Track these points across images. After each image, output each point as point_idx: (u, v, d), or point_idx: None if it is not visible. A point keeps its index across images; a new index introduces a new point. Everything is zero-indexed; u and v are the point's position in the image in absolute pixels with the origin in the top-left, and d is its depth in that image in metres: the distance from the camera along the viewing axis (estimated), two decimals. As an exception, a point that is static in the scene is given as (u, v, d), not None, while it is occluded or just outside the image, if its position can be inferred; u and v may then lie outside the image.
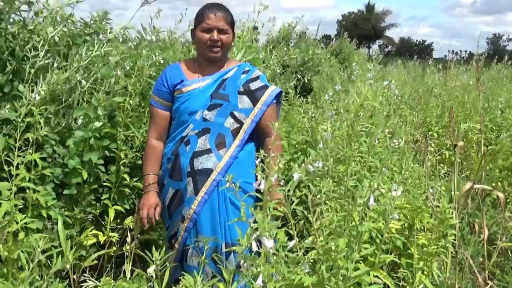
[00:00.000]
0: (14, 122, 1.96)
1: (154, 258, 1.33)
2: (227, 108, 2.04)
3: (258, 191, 1.38)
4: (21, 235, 1.79)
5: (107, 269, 2.40)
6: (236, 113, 2.04)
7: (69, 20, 2.45)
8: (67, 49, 2.48)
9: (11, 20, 2.28)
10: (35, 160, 2.02)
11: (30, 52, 2.11)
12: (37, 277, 1.70)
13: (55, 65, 2.21)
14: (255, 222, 1.20)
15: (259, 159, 1.34)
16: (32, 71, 2.12)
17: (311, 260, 1.35)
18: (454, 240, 1.91)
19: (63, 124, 2.32)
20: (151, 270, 1.33)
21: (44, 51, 2.16)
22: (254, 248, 1.16)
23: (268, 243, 1.13)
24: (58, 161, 2.28)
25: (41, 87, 1.95)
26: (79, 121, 2.27)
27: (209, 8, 2.03)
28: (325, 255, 1.32)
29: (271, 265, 1.21)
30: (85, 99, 2.36)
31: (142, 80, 2.51)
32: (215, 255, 1.93)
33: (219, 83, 2.07)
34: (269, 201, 1.30)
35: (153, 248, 1.35)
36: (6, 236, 1.70)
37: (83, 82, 2.33)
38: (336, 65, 7.22)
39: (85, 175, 2.25)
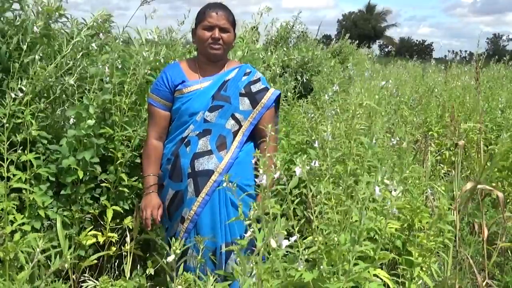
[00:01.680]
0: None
1: (173, 248, 1.32)
2: (229, 109, 2.03)
3: (258, 187, 1.38)
4: (17, 236, 1.78)
5: (107, 269, 2.40)
6: (237, 115, 2.04)
7: (58, 14, 2.41)
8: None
9: (1, 19, 2.26)
10: (29, 160, 2.01)
11: (16, 49, 2.08)
12: (36, 277, 1.70)
13: (36, 57, 2.18)
14: (256, 220, 1.20)
15: (254, 159, 1.34)
16: (18, 68, 2.09)
17: (311, 258, 1.35)
18: (452, 237, 1.91)
19: (51, 121, 2.31)
20: (170, 259, 1.33)
21: (26, 45, 2.13)
22: (274, 245, 1.16)
23: (284, 241, 1.13)
24: (52, 158, 2.27)
25: (20, 83, 1.93)
26: (71, 120, 2.26)
27: (210, 7, 2.03)
28: (326, 252, 1.32)
29: (269, 262, 1.21)
30: (75, 98, 2.34)
31: (138, 79, 2.50)
32: (211, 255, 1.93)
33: (220, 84, 2.06)
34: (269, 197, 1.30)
35: (173, 239, 1.35)
36: (4, 237, 1.70)
37: (68, 79, 2.30)
38: (337, 65, 7.22)
39: (80, 174, 2.25)
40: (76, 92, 2.36)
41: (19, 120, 1.99)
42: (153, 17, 2.67)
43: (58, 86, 2.33)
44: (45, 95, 2.35)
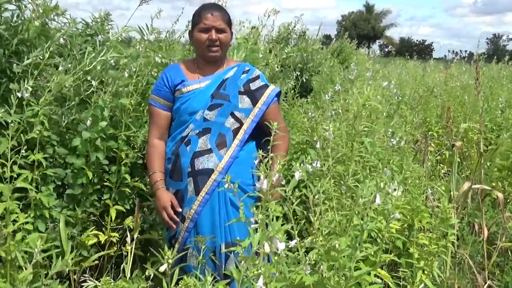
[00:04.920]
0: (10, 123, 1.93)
1: (166, 257, 1.32)
2: (228, 108, 2.04)
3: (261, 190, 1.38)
4: (19, 235, 1.78)
5: (107, 269, 2.40)
6: (236, 113, 2.04)
7: (55, 13, 2.39)
8: (67, 49, 2.47)
9: None
10: (37, 160, 2.01)
11: (15, 51, 2.07)
12: (37, 278, 1.70)
13: (60, 68, 2.19)
14: (256, 222, 1.20)
15: (257, 159, 1.34)
16: (21, 70, 2.08)
17: (312, 260, 1.35)
18: (454, 239, 1.91)
19: (64, 124, 2.31)
20: (162, 268, 1.32)
21: (35, 48, 2.12)
22: (267, 249, 1.15)
23: (280, 245, 1.12)
24: (59, 161, 2.27)
25: (27, 83, 1.92)
26: (88, 122, 2.26)
27: (205, 8, 2.03)
28: (326, 255, 1.32)
29: (272, 265, 1.21)
30: (92, 100, 2.35)
31: (144, 80, 2.51)
32: (212, 255, 1.93)
33: (219, 83, 2.07)
34: (270, 200, 1.30)
35: (165, 247, 1.34)
36: (5, 236, 1.70)
37: (93, 82, 2.30)
38: (337, 65, 7.21)
39: (90, 175, 2.25)
40: (94, 94, 2.36)
41: (32, 120, 1.98)
42: (158, 17, 2.66)
43: (81, 91, 2.33)
44: (54, 99, 2.34)
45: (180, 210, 2.01)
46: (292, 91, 4.10)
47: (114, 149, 2.42)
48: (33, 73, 2.06)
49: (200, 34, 2.01)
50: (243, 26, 3.87)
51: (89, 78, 2.31)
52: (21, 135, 1.95)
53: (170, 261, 1.30)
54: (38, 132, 1.98)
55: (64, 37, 2.42)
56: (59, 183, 2.26)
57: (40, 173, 2.07)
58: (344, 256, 1.27)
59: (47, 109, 2.08)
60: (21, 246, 1.67)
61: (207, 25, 1.99)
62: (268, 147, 1.45)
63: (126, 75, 2.44)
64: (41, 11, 2.25)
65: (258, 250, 1.17)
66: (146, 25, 2.68)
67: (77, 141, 2.24)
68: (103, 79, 2.42)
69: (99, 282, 1.76)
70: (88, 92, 2.34)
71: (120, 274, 2.25)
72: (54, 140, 2.23)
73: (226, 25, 2.04)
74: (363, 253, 1.23)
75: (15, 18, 2.24)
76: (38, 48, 2.15)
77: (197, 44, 2.04)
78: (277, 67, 4.38)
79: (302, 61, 5.92)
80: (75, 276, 2.15)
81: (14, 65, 2.12)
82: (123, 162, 2.41)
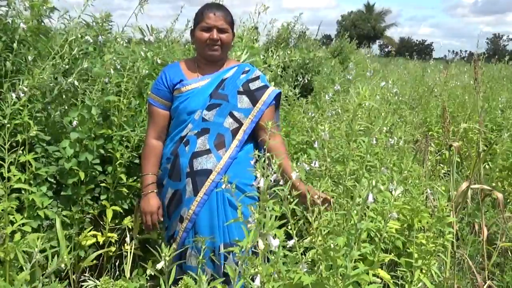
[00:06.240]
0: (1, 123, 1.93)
1: (163, 254, 1.31)
2: (226, 108, 2.03)
3: (258, 189, 1.37)
4: (17, 236, 1.78)
5: (107, 269, 2.40)
6: (235, 113, 2.04)
7: (48, 9, 2.37)
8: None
9: None
10: (29, 161, 2.01)
11: (7, 48, 2.06)
12: (37, 278, 1.70)
13: (29, 58, 2.16)
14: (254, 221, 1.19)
15: (254, 159, 1.34)
16: (11, 68, 2.08)
17: (310, 260, 1.35)
18: (452, 238, 1.91)
19: (50, 122, 2.30)
20: (159, 266, 1.32)
21: (17, 44, 2.11)
22: (261, 246, 1.15)
23: (274, 242, 1.12)
24: (51, 159, 2.27)
25: (22, 83, 1.91)
26: (74, 123, 2.25)
27: (208, 8, 2.03)
28: (324, 254, 1.32)
29: (270, 264, 1.21)
30: (78, 99, 2.34)
31: (137, 79, 2.49)
32: (213, 255, 1.93)
33: (218, 82, 2.07)
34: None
35: (162, 244, 1.34)
36: (4, 237, 1.70)
37: (72, 79, 2.29)
38: (337, 65, 7.20)
39: (82, 175, 2.25)
40: (79, 93, 2.35)
41: (17, 121, 1.98)
42: (142, 12, 2.66)
43: (55, 87, 2.31)
44: (41, 96, 2.33)
45: (162, 219, 2.08)
46: (293, 92, 4.09)
47: (109, 149, 2.41)
48: (22, 73, 2.05)
49: (201, 33, 2.01)
50: (241, 26, 3.85)
51: (69, 79, 2.30)
52: (15, 135, 1.94)
53: (167, 258, 1.29)
54: (25, 132, 1.97)
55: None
56: (53, 181, 2.26)
57: (32, 173, 2.07)
58: (342, 256, 1.27)
59: (31, 107, 2.07)
60: (21, 247, 1.67)
61: (209, 24, 1.99)
62: (265, 146, 1.45)
63: (112, 71, 2.43)
64: (27, 4, 2.23)
65: (256, 250, 1.17)
66: (147, 26, 2.69)
67: (65, 143, 2.24)
68: (88, 77, 2.42)
69: (98, 282, 1.76)
70: (62, 90, 2.33)
71: (120, 274, 2.25)
72: (42, 139, 2.23)
73: (228, 25, 2.04)
74: (359, 252, 1.23)
75: (5, 16, 2.23)
76: (34, 47, 2.14)
77: (198, 43, 2.04)
78: (279, 70, 4.38)
79: (303, 62, 5.92)
80: (74, 276, 2.15)
81: (8, 63, 2.11)
82: (118, 162, 2.41)
